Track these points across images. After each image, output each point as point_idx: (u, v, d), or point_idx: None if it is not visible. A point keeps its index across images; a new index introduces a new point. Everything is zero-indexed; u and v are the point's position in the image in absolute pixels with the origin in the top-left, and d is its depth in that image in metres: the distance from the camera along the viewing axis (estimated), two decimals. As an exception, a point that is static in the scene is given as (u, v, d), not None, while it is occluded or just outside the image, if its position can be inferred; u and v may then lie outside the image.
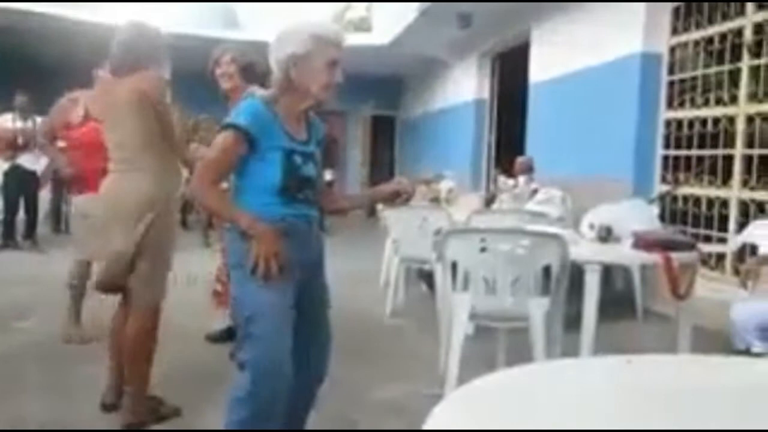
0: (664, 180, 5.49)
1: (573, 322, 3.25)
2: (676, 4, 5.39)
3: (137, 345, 2.72)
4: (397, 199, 2.33)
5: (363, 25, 11.24)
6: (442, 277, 3.12)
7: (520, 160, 6.57)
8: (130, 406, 2.75)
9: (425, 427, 1.00)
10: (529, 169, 6.38)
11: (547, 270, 3.00)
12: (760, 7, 4.54)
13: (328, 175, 9.98)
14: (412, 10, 8.38)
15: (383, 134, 14.46)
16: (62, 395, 3.10)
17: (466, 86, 9.77)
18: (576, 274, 3.18)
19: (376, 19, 10.87)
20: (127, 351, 2.75)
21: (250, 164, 2.05)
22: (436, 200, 6.67)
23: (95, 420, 2.84)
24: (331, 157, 9.88)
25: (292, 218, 2.08)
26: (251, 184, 2.07)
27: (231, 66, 3.56)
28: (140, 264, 2.69)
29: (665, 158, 5.49)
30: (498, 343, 3.34)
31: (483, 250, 2.97)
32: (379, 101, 13.65)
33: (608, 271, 4.66)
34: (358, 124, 13.91)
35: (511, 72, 8.86)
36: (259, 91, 3.45)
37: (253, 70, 3.55)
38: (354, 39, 11.10)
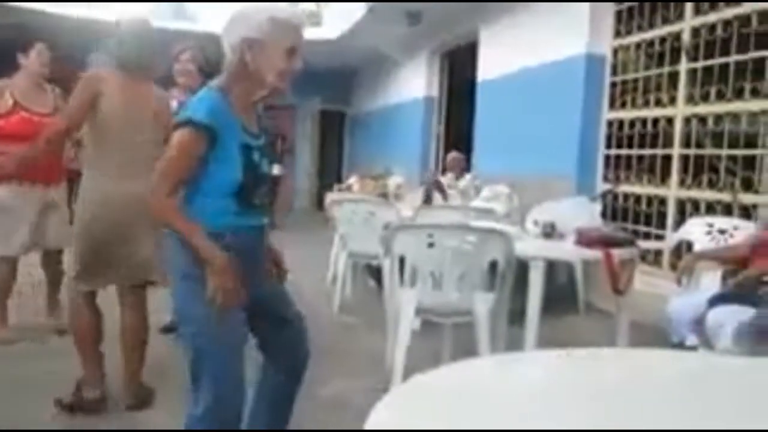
0: (606, 178, 5.64)
1: (518, 316, 3.31)
2: (618, 7, 5.54)
3: (142, 332, 2.93)
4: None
5: (313, 19, 11.17)
6: (389, 272, 3.13)
7: (451, 156, 6.67)
8: (132, 390, 2.90)
9: (367, 425, 1.00)
10: (460, 166, 6.49)
11: (493, 266, 3.05)
12: (698, 12, 4.70)
13: (276, 170, 9.92)
14: (361, 6, 8.37)
15: (333, 129, 14.39)
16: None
17: (416, 83, 9.82)
18: (521, 269, 3.24)
19: (326, 14, 10.81)
20: (132, 339, 2.91)
21: (207, 164, 1.85)
22: (384, 196, 6.69)
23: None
24: (279, 153, 9.81)
25: (246, 231, 1.94)
26: (207, 186, 1.87)
27: (189, 64, 3.62)
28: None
29: (607, 157, 5.64)
30: (444, 338, 3.38)
31: (430, 245, 3.00)
32: (328, 96, 13.58)
33: (552, 267, 4.77)
34: (307, 118, 13.81)
35: (460, 70, 8.95)
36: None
37: (211, 71, 3.53)
38: (304, 32, 11.01)
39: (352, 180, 9.05)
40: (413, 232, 3.13)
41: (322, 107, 13.87)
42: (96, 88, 2.75)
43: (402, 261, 3.04)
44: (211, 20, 9.48)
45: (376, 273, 5.01)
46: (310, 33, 11.05)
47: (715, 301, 2.84)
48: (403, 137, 10.29)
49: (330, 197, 7.64)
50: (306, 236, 8.42)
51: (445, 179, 6.65)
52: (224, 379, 1.88)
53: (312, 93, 12.68)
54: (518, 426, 0.98)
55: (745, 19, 4.25)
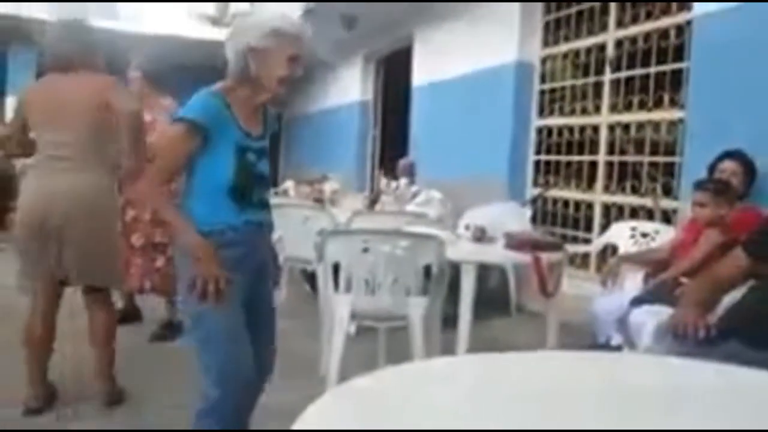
0: (536, 183, 5.80)
1: (452, 320, 3.37)
2: (547, 17, 5.71)
3: (112, 330, 2.97)
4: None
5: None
6: (323, 277, 3.13)
7: (402, 162, 6.72)
8: (106, 387, 2.94)
9: (295, 426, 1.00)
10: (411, 172, 6.54)
11: (428, 270, 3.09)
12: (620, 25, 4.90)
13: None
14: (296, 9, 8.33)
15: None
16: None
17: (352, 87, 9.84)
18: (455, 273, 3.30)
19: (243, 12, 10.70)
20: (102, 338, 2.93)
21: (200, 162, 1.95)
22: (320, 201, 6.67)
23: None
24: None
25: (244, 226, 2.00)
26: (201, 184, 1.96)
27: (137, 73, 3.82)
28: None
29: (537, 163, 5.80)
30: (379, 343, 3.40)
31: (365, 250, 3.02)
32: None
33: (485, 270, 4.86)
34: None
35: (395, 74, 9.02)
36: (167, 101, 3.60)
37: (158, 81, 3.82)
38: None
39: (288, 185, 8.97)
40: (346, 237, 3.14)
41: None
42: (23, 106, 2.83)
43: (336, 266, 3.05)
44: (139, 21, 9.29)
45: (311, 278, 4.99)
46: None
47: (637, 301, 2.97)
48: (339, 142, 10.29)
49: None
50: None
51: (382, 184, 6.69)
52: (231, 373, 1.96)
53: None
54: (448, 429, 1.00)
55: (663, 33, 4.46)
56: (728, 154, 3.35)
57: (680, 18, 4.29)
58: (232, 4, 11.09)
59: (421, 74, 7.53)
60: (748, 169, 3.31)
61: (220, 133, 1.94)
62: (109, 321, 2.99)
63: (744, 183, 3.29)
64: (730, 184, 3.17)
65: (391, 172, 6.94)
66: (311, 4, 7.84)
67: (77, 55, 2.84)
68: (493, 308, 4.90)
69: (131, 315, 4.22)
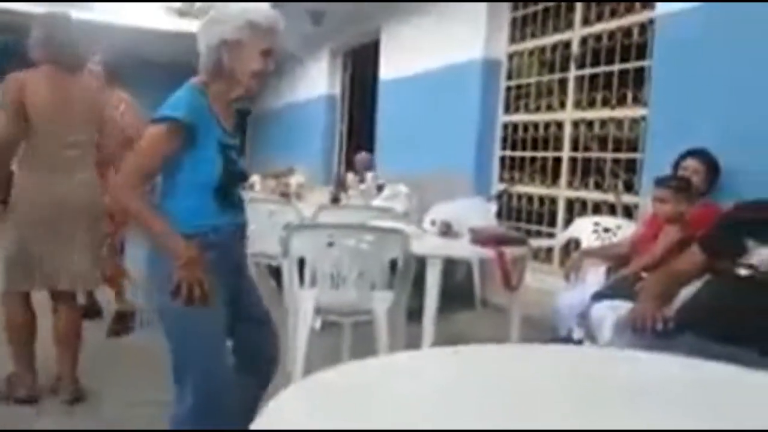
0: (502, 178, 5.85)
1: (417, 314, 3.38)
2: (513, 14, 5.75)
3: (78, 329, 2.95)
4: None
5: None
6: (288, 272, 3.11)
7: (359, 156, 6.74)
8: (69, 386, 2.91)
9: (255, 424, 0.99)
10: (368, 166, 6.55)
11: (393, 264, 3.09)
12: (586, 23, 4.96)
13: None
14: (263, 3, 8.24)
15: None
16: None
17: (319, 81, 9.79)
18: (421, 268, 3.31)
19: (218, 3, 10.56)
20: (69, 337, 2.91)
21: (183, 161, 1.87)
22: (285, 195, 6.62)
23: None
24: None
25: (227, 227, 1.97)
26: (184, 183, 1.89)
27: (98, 66, 3.79)
28: None
29: (503, 158, 5.84)
30: (344, 337, 3.39)
31: (330, 245, 3.01)
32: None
33: (450, 265, 4.89)
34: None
35: (362, 69, 9.00)
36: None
37: (117, 75, 3.84)
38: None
39: (254, 179, 8.89)
40: (311, 232, 3.12)
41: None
42: (17, 94, 2.73)
43: (301, 261, 3.03)
44: (106, 10, 9.10)
45: (276, 274, 4.96)
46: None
47: (598, 296, 3.01)
48: (306, 136, 10.24)
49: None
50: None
51: (348, 179, 6.68)
52: (211, 376, 1.91)
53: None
54: (413, 423, 1.00)
55: (627, 31, 4.53)
56: (691, 153, 3.41)
57: (644, 16, 4.36)
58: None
59: (388, 69, 7.52)
60: (711, 167, 3.37)
61: (204, 131, 1.88)
62: (77, 320, 2.98)
63: (706, 181, 3.35)
64: (691, 182, 3.23)
65: (349, 168, 6.96)
66: (277, -3, 7.76)
67: (80, 52, 2.90)
68: (458, 302, 4.94)
69: (91, 310, 4.15)
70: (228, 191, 1.96)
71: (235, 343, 2.12)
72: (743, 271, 1.87)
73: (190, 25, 10.12)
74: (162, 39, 10.21)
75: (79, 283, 2.94)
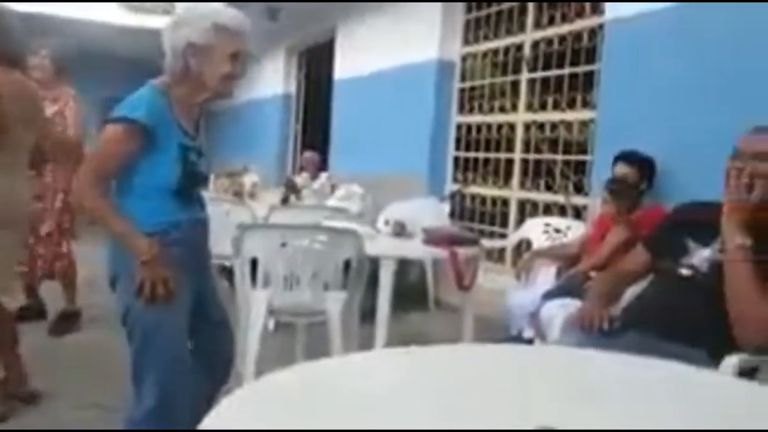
0: (455, 179, 5.90)
1: (371, 314, 3.38)
2: (467, 16, 5.81)
3: (15, 334, 2.86)
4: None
5: (166, 8, 10.68)
6: (240, 273, 3.08)
7: (306, 155, 6.73)
8: (19, 391, 2.85)
9: (208, 420, 0.99)
10: (316, 166, 6.55)
11: (348, 265, 3.09)
12: (537, 26, 5.05)
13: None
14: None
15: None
16: None
17: (274, 80, 9.71)
18: (375, 268, 3.31)
19: (181, 4, 10.38)
20: (13, 342, 2.83)
21: (141, 162, 1.86)
22: (239, 194, 6.55)
23: None
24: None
25: (187, 224, 1.96)
26: (143, 184, 1.88)
27: (46, 60, 3.70)
28: None
29: (456, 159, 5.90)
30: (297, 338, 3.37)
31: (283, 245, 2.98)
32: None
33: (404, 265, 4.91)
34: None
35: (317, 68, 8.96)
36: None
37: (66, 71, 3.76)
38: (158, 23, 10.50)
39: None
40: (264, 232, 3.10)
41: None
42: None
43: (254, 262, 3.00)
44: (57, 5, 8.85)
45: (230, 274, 4.90)
46: (162, 22, 10.61)
47: (548, 295, 3.07)
48: (261, 135, 10.14)
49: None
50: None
51: (300, 179, 6.64)
52: (170, 379, 1.89)
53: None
54: (364, 424, 1.00)
55: (577, 35, 4.62)
56: (621, 156, 3.52)
57: (593, 21, 4.46)
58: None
59: (343, 68, 7.51)
60: (641, 170, 3.46)
61: (163, 133, 1.87)
62: (11, 325, 2.88)
63: (638, 183, 3.43)
64: (630, 184, 3.33)
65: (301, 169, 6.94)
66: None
67: (20, 46, 2.78)
68: (412, 302, 4.97)
69: (35, 311, 4.03)
70: (188, 192, 1.95)
71: (194, 343, 2.10)
72: (685, 271, 1.93)
73: (143, 20, 9.93)
74: (114, 33, 9.97)
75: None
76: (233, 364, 2.22)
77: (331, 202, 5.49)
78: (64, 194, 3.75)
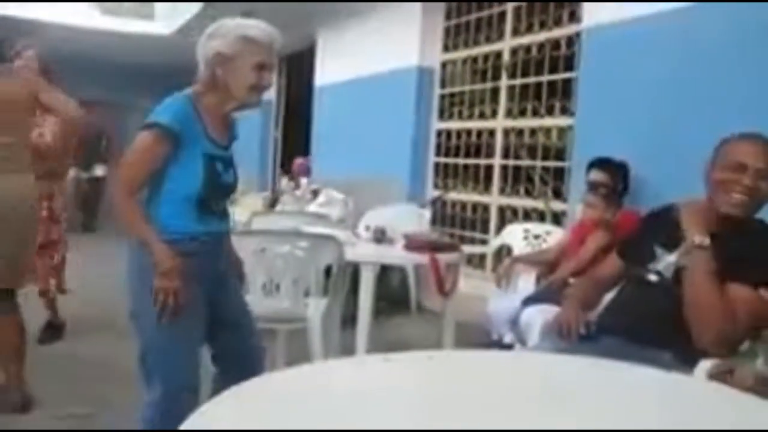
0: (436, 185, 5.93)
1: (353, 320, 3.39)
2: (447, 23, 5.85)
3: (13, 338, 2.84)
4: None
5: (144, 12, 10.61)
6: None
7: (297, 162, 6.72)
8: (16, 397, 2.83)
9: (184, 426, 0.99)
10: (307, 171, 6.54)
11: (328, 271, 3.09)
12: (516, 34, 5.09)
13: (99, 171, 9.29)
14: (196, 3, 8.10)
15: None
16: None
17: (254, 86, 9.66)
18: (357, 274, 3.32)
19: (159, 8, 10.32)
20: (17, 349, 2.85)
21: (169, 170, 1.94)
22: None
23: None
24: (102, 152, 9.20)
25: (206, 236, 2.01)
26: (168, 192, 1.95)
27: (33, 62, 3.64)
28: None
29: (437, 165, 5.93)
30: (278, 345, 3.36)
31: (263, 251, 2.98)
32: (162, 94, 12.86)
33: (386, 271, 4.91)
34: (138, 117, 13.05)
35: (298, 74, 8.95)
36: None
37: (51, 73, 3.67)
38: (134, 26, 10.44)
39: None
40: (244, 238, 3.08)
41: (155, 106, 13.17)
42: None
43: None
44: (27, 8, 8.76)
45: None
46: (140, 26, 10.48)
47: (528, 301, 3.09)
48: (243, 140, 9.99)
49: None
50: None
51: (283, 184, 6.64)
52: (173, 376, 1.96)
53: (144, 90, 12.04)
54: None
55: (555, 43, 4.67)
56: (594, 163, 3.56)
57: (571, 29, 4.51)
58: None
59: (324, 74, 7.52)
60: (615, 175, 3.51)
61: (189, 141, 1.93)
62: (16, 328, 2.87)
63: (614, 188, 3.48)
64: (610, 189, 3.37)
65: (290, 172, 6.92)
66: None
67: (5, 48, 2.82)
68: (394, 307, 4.98)
69: None
70: (210, 203, 2.01)
71: (215, 352, 2.18)
72: (652, 277, 1.96)
73: (123, 25, 9.87)
74: (87, 36, 9.88)
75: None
76: (260, 369, 2.20)
77: (312, 207, 5.48)
78: (48, 202, 3.67)
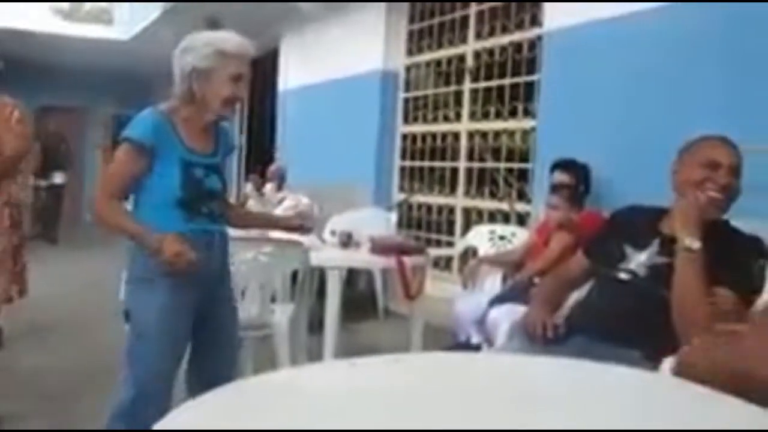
0: (401, 188, 5.94)
1: (319, 325, 3.36)
2: (410, 27, 5.87)
3: None
4: (299, 231, 2.56)
5: (103, 17, 10.44)
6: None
7: (272, 167, 6.66)
8: None
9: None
10: (281, 177, 6.49)
11: (295, 276, 3.06)
12: (479, 37, 5.14)
13: (58, 179, 9.07)
14: (156, 7, 7.99)
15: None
16: None
17: (217, 90, 9.56)
18: (323, 279, 3.29)
19: (118, 12, 10.15)
20: None
21: (148, 179, 2.02)
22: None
23: None
24: (60, 158, 8.99)
25: (192, 234, 2.03)
26: (149, 198, 2.04)
27: None
28: None
29: (402, 168, 5.94)
30: (245, 351, 3.31)
31: (228, 257, 2.94)
32: (122, 100, 12.70)
33: (353, 275, 4.90)
34: (98, 123, 12.80)
35: (263, 79, 8.88)
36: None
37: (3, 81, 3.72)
38: (92, 31, 10.26)
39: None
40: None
41: (116, 112, 12.94)
42: None
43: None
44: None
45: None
46: (99, 31, 10.28)
47: (495, 301, 3.11)
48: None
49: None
50: (96, 251, 7.79)
51: (248, 189, 6.57)
52: (148, 380, 2.00)
53: (104, 96, 11.84)
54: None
55: (517, 46, 4.73)
56: (556, 165, 3.62)
57: (533, 33, 4.57)
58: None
59: (288, 78, 7.48)
60: (577, 176, 3.56)
61: (164, 152, 2.01)
62: None
63: (576, 188, 3.53)
64: (573, 190, 3.42)
65: (261, 178, 6.84)
66: (170, 4, 7.54)
67: None
68: (361, 311, 4.96)
69: None
70: (193, 205, 2.05)
71: (192, 349, 2.17)
72: (623, 276, 1.98)
73: (74, 29, 9.69)
74: (46, 41, 9.68)
75: None
76: (232, 375, 2.18)
77: (278, 212, 5.43)
78: (10, 209, 3.60)
